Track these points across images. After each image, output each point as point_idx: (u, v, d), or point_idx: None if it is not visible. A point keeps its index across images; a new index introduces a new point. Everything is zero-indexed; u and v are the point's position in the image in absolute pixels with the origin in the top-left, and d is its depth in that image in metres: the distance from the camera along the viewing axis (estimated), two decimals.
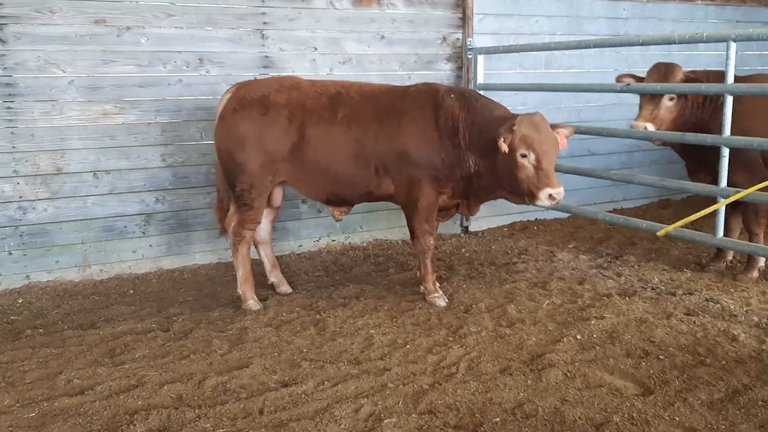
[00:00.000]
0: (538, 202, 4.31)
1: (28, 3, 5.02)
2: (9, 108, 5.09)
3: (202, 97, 5.60)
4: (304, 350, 4.07)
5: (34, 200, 5.25)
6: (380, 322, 4.48)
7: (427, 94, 4.68)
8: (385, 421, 3.21)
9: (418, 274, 5.02)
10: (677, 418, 3.21)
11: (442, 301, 4.80)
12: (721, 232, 4.83)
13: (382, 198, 4.85)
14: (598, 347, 4.01)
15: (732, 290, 4.97)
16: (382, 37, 6.29)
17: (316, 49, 6.02)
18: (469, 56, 6.56)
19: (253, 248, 5.13)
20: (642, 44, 5.36)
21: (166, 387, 3.59)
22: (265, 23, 5.78)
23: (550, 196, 4.22)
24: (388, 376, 3.69)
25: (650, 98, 5.12)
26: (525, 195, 4.37)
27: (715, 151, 4.75)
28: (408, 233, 4.94)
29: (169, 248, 5.76)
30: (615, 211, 7.46)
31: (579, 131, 5.97)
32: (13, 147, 5.14)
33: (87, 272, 5.48)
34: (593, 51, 7.30)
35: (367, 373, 3.73)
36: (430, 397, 3.43)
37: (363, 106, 4.66)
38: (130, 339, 4.29)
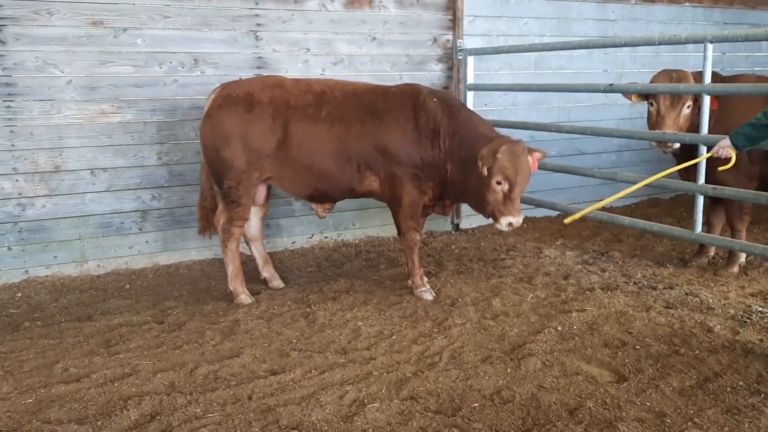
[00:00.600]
0: (497, 225, 4.62)
1: (26, 5, 5.16)
2: (8, 107, 5.23)
3: (197, 97, 5.73)
4: (294, 341, 4.22)
5: (32, 197, 5.39)
6: (368, 315, 4.62)
7: (409, 95, 4.83)
8: (368, 406, 3.35)
9: (407, 269, 5.16)
10: (648, 404, 3.35)
11: (429, 295, 4.94)
12: (699, 228, 4.97)
13: (364, 194, 5.00)
14: (577, 338, 4.15)
15: (712, 285, 5.11)
16: (374, 38, 6.43)
17: (308, 50, 6.16)
18: (460, 57, 6.70)
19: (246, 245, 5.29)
20: (624, 45, 5.50)
21: (159, 375, 3.74)
22: (258, 25, 5.93)
23: (510, 223, 4.54)
24: (373, 365, 3.84)
25: (671, 107, 5.04)
26: (488, 214, 4.69)
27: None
28: None
29: (164, 244, 5.90)
30: (604, 209, 7.58)
31: (567, 130, 6.17)
32: (13, 145, 5.28)
33: (84, 267, 5.62)
34: (582, 52, 7.44)
35: (353, 362, 3.88)
36: (412, 385, 3.57)
37: (346, 105, 4.80)
38: (126, 331, 4.43)
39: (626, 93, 5.29)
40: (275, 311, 4.75)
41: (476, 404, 3.38)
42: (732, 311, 4.55)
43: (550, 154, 7.40)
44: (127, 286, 5.42)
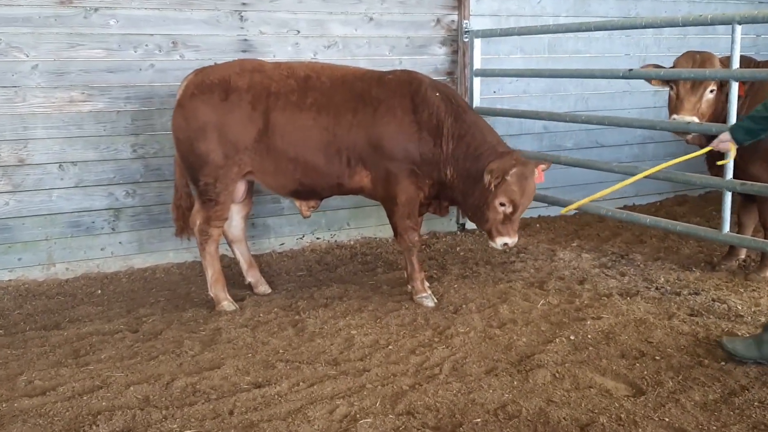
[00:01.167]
0: (491, 243, 4.83)
1: None
2: None
3: (176, 84, 5.69)
4: (281, 351, 4.27)
5: None
6: (363, 323, 4.67)
7: (407, 84, 4.86)
8: (361, 422, 3.40)
9: (406, 273, 5.20)
10: (667, 419, 3.40)
11: (430, 301, 4.99)
12: (727, 227, 5.01)
13: (354, 191, 5.04)
14: (591, 348, 4.20)
15: (741, 290, 5.15)
16: (371, 18, 6.47)
17: (298, 31, 6.20)
18: (465, 39, 6.73)
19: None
20: (645, 27, 5.52)
21: (132, 388, 3.79)
22: (244, 4, 5.97)
23: (506, 244, 4.76)
24: (366, 377, 3.89)
25: (692, 90, 5.08)
26: (484, 229, 4.89)
27: None
28: None
29: (140, 246, 5.95)
30: (626, 207, 7.62)
31: (584, 120, 6.23)
32: None
33: (52, 271, 5.67)
34: (601, 34, 7.47)
35: (345, 374, 3.93)
36: (409, 398, 3.62)
37: (334, 92, 4.80)
38: (96, 340, 4.48)
39: (647, 78, 5.33)
40: (261, 319, 4.80)
41: (479, 420, 3.42)
42: (763, 319, 4.59)
43: (565, 146, 7.49)
44: (99, 291, 5.47)
